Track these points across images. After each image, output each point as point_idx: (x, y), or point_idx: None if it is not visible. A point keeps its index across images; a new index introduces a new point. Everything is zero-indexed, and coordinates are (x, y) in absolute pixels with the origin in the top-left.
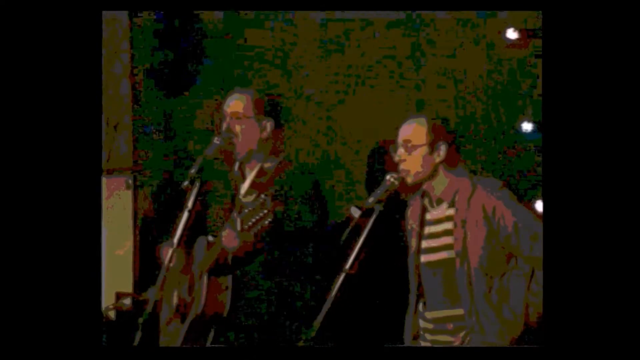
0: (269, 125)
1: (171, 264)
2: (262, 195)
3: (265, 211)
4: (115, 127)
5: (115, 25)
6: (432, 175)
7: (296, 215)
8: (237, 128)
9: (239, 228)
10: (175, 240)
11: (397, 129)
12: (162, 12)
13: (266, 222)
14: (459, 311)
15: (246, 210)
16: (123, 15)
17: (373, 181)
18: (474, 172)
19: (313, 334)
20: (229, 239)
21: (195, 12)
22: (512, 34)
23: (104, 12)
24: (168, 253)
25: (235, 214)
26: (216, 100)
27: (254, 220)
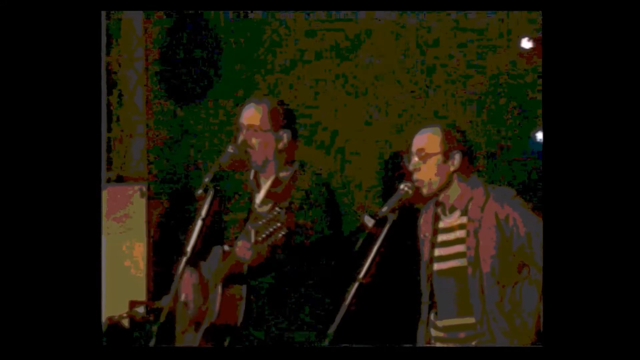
0: (285, 136)
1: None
2: (277, 208)
3: (279, 224)
4: (130, 135)
5: (129, 32)
6: (447, 184)
7: (310, 225)
8: (254, 141)
9: (252, 240)
10: (189, 248)
11: (410, 138)
12: (174, 18)
13: (280, 234)
14: (471, 320)
15: (260, 222)
16: (138, 22)
17: (388, 190)
18: (488, 181)
19: (327, 342)
20: (243, 250)
21: (204, 16)
22: (526, 43)
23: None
24: (180, 264)
25: (249, 225)
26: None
27: (267, 232)
